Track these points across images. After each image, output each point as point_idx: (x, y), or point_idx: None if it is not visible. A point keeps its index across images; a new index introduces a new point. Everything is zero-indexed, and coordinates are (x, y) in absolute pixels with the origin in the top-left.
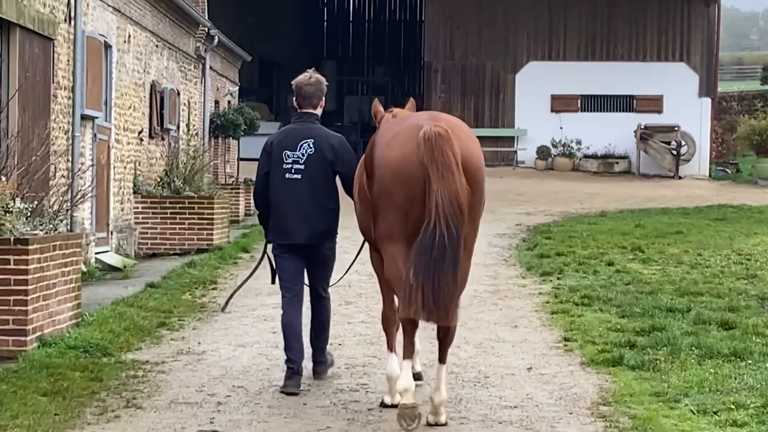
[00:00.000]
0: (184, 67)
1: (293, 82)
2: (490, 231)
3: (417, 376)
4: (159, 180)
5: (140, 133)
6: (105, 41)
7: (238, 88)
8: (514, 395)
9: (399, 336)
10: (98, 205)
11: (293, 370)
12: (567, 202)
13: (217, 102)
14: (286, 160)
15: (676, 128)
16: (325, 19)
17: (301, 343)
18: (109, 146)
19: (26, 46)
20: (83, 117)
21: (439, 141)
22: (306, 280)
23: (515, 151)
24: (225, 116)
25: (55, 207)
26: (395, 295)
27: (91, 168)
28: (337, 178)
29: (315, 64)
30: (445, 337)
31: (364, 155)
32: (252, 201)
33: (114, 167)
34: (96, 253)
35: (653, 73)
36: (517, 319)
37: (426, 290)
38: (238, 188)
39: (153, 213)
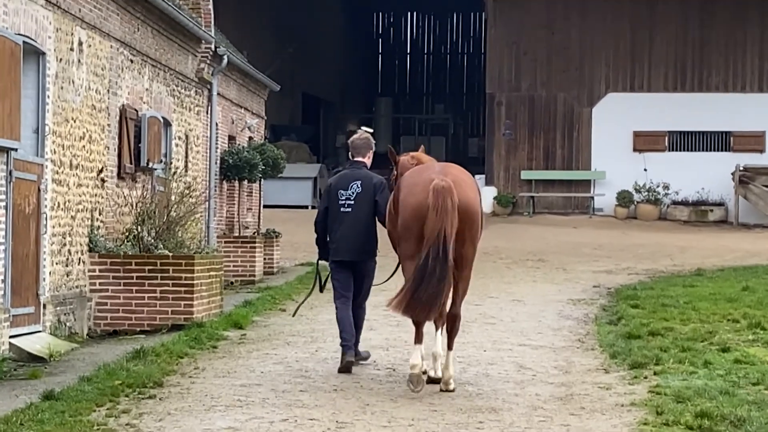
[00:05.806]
0: (179, 92)
1: (348, 141)
2: (561, 296)
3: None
4: (126, 234)
5: (101, 172)
6: (28, 43)
7: (259, 121)
8: None
9: None
10: (17, 270)
11: (347, 347)
12: (654, 257)
13: (232, 137)
14: (341, 197)
15: None
16: (380, 51)
17: (352, 328)
18: (39, 189)
19: None
20: None
21: (442, 191)
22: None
23: (592, 197)
24: (239, 154)
25: None
26: None
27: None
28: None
29: (368, 102)
30: (451, 330)
31: (392, 194)
32: (279, 254)
33: (50, 217)
34: (11, 337)
35: (753, 105)
36: None
37: (415, 294)
38: (254, 242)
39: (114, 278)
